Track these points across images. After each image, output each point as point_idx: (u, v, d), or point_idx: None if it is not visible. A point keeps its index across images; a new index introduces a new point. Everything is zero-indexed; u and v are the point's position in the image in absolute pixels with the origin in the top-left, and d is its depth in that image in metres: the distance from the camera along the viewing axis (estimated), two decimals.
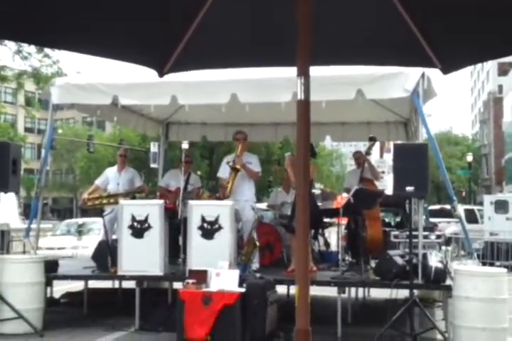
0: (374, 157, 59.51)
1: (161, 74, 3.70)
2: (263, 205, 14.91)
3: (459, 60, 3.60)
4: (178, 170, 10.63)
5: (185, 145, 10.48)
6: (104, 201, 10.21)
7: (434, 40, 3.37)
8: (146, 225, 8.71)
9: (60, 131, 56.46)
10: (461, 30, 3.28)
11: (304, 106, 2.79)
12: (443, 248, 12.68)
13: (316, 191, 12.56)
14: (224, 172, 9.92)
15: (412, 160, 7.88)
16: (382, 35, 3.50)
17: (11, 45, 22.28)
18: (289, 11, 2.86)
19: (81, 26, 3.03)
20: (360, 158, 10.47)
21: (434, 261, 8.25)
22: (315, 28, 2.80)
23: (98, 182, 10.92)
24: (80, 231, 20.47)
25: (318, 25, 2.85)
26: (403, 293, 8.22)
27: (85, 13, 2.96)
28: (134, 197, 10.28)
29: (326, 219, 11.26)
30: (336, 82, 8.31)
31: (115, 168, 11.01)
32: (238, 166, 9.55)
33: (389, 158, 68.52)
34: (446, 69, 3.61)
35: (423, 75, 8.34)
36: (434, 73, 8.38)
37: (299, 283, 2.76)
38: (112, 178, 10.75)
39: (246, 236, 9.31)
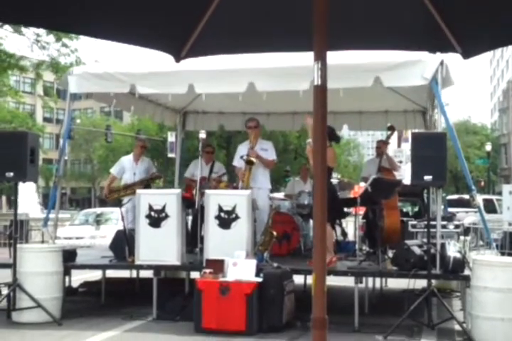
0: (392, 146, 59.25)
1: (178, 60, 3.63)
2: (280, 195, 14.88)
3: (479, 44, 3.52)
4: (201, 159, 10.60)
5: (202, 135, 10.44)
6: (122, 193, 10.26)
7: (454, 24, 3.30)
8: (164, 214, 8.68)
9: (78, 121, 56.76)
10: (482, 12, 3.21)
11: (320, 91, 2.73)
12: (461, 238, 12.56)
13: (334, 181, 12.48)
14: (239, 160, 9.85)
15: (431, 150, 7.81)
16: (402, 19, 3.44)
17: (29, 35, 22.34)
18: None
19: (96, 10, 2.99)
20: (381, 148, 10.47)
21: (453, 251, 8.18)
22: (332, 11, 2.75)
23: (114, 171, 10.88)
24: (98, 221, 20.60)
25: (336, 9, 2.79)
26: (421, 284, 8.17)
27: None
28: (148, 186, 10.28)
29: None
30: (353, 69, 8.25)
31: (131, 157, 10.94)
32: (253, 159, 9.44)
33: (407, 147, 68.13)
34: (466, 54, 3.54)
35: (442, 63, 8.25)
36: (451, 61, 8.29)
37: (316, 271, 2.73)
38: (129, 168, 10.70)
39: (261, 225, 9.22)
